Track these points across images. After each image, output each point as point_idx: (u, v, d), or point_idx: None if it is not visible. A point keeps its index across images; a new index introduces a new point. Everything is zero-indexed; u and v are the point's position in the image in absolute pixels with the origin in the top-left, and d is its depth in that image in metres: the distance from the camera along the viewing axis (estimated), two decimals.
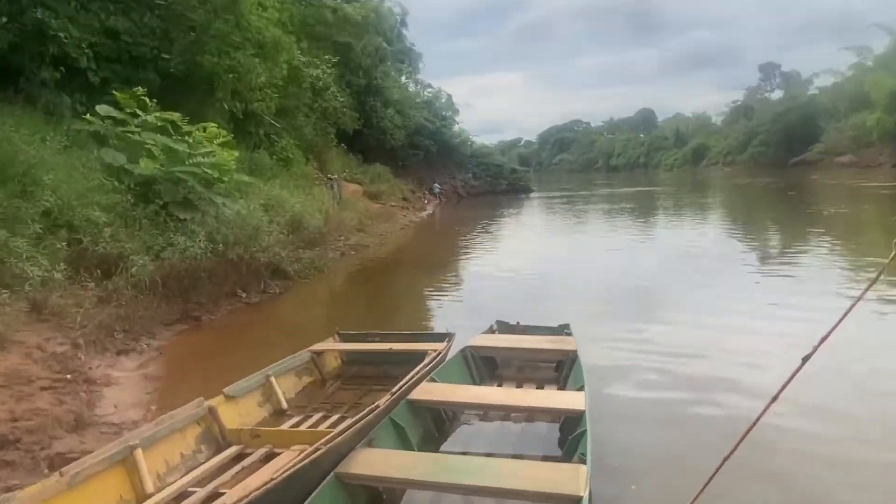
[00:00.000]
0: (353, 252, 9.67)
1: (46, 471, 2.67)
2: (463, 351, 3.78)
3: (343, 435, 2.57)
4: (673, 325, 4.98)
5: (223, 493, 2.45)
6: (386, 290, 7.07)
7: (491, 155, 30.93)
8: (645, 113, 79.15)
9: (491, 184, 28.32)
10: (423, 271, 8.25)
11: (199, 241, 5.83)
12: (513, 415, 3.21)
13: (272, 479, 2.24)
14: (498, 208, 19.77)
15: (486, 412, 3.23)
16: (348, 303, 6.53)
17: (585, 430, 2.60)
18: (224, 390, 3.16)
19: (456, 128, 27.72)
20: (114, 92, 6.91)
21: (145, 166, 6.12)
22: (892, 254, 1.78)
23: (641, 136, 74.10)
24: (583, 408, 2.83)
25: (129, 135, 6.52)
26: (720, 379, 3.81)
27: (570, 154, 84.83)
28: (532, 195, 27.18)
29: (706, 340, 4.48)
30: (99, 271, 5.01)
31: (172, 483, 2.58)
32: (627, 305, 5.65)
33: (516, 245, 10.91)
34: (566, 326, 4.20)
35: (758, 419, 1.93)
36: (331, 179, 13.82)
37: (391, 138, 21.18)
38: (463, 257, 9.74)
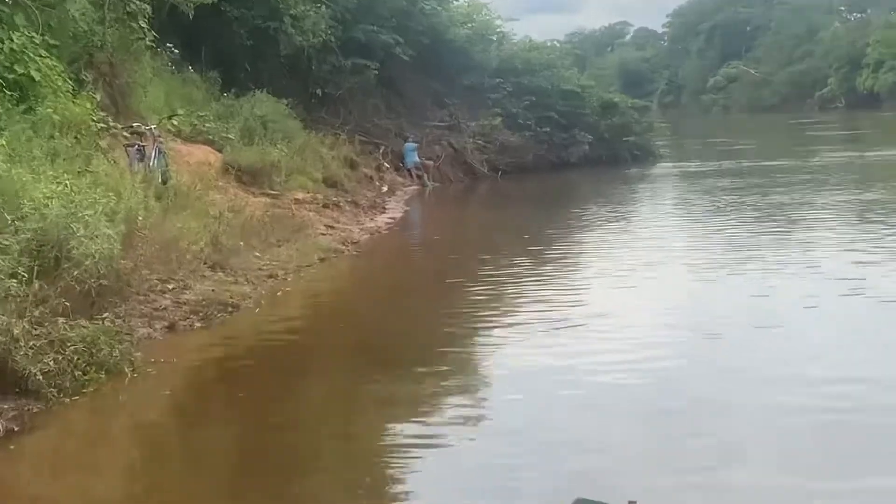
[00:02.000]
0: (195, 319, 8.36)
1: None
2: None
3: None
4: None
5: None
6: (283, 439, 5.89)
7: (552, 68, 26.93)
8: None
9: (552, 142, 25.33)
10: (381, 370, 7.21)
11: None
12: None
13: None
14: (562, 208, 18.61)
15: None
16: (185, 475, 5.47)
17: None
18: None
19: (462, 2, 26.38)
20: None
21: None
22: None
23: None
24: None
25: None
26: None
27: (751, 61, 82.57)
28: (654, 169, 25.68)
29: None
30: None
31: None
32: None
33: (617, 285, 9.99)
34: None
35: None
36: (139, 136, 11.90)
37: (298, 31, 18.53)
38: (477, 331, 8.53)
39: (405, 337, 8.54)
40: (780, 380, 6.34)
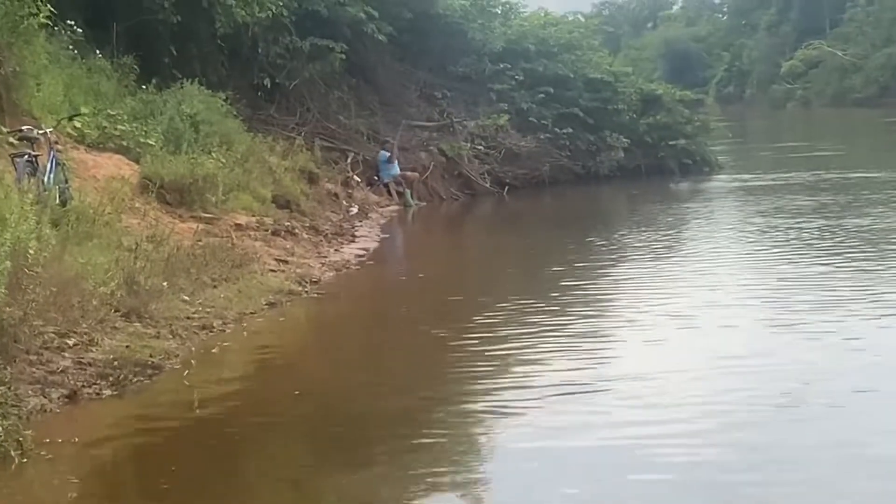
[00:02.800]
0: (104, 385, 8.32)
1: None
2: None
3: None
4: None
5: None
6: None
7: (575, 51, 27.88)
8: None
9: (575, 147, 26.04)
10: (346, 454, 7.24)
11: None
12: None
13: None
14: (587, 234, 18.86)
15: None
16: None
17: None
18: None
19: None
20: None
21: None
22: None
23: None
24: None
25: None
26: None
27: (838, 40, 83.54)
28: (710, 182, 26.55)
29: None
30: None
31: None
32: None
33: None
34: None
35: None
36: (29, 143, 12.12)
37: (239, 2, 18.70)
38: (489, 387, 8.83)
39: (379, 409, 8.47)
40: None
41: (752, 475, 6.07)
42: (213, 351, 9.73)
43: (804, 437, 6.84)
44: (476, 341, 10.69)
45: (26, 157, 11.56)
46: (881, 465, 6.16)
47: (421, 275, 15.46)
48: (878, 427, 6.96)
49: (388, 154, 21.96)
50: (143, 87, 17.18)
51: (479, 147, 24.08)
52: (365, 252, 16.00)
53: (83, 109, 14.76)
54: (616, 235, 18.11)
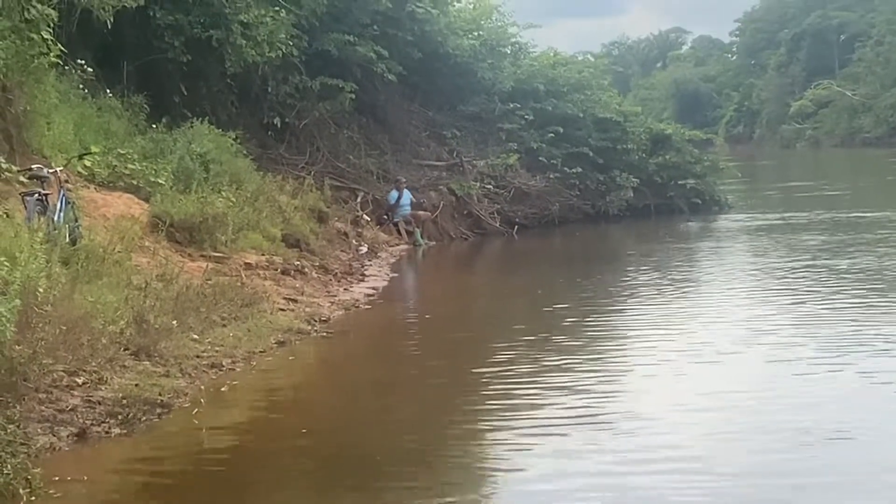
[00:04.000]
0: (113, 424, 8.34)
1: None
2: None
3: None
4: None
5: None
6: None
7: (584, 90, 28.17)
8: None
9: (584, 187, 26.47)
10: (358, 494, 7.37)
11: None
12: None
13: None
14: (597, 273, 18.74)
15: None
16: None
17: None
18: None
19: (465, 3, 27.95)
20: None
21: None
22: None
23: None
24: None
25: None
26: None
27: (848, 80, 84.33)
28: (720, 221, 26.67)
29: None
30: None
31: None
32: None
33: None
34: None
35: None
36: (40, 182, 12.18)
37: (250, 43, 18.91)
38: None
39: (388, 447, 8.44)
40: None
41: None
42: (223, 389, 9.73)
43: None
44: (485, 379, 10.64)
45: (36, 195, 11.60)
46: None
47: (429, 315, 15.45)
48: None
49: (397, 195, 21.92)
50: (154, 126, 17.21)
51: (489, 186, 24.15)
52: (374, 291, 16.00)
53: (93, 148, 14.81)
54: (625, 275, 18.10)
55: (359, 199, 21.60)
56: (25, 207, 11.54)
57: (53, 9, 14.02)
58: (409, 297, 17.73)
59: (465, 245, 22.94)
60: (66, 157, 13.72)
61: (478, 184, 23.99)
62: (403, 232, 21.71)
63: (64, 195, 12.22)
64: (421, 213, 22.22)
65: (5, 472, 6.65)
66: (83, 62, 16.30)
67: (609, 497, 6.66)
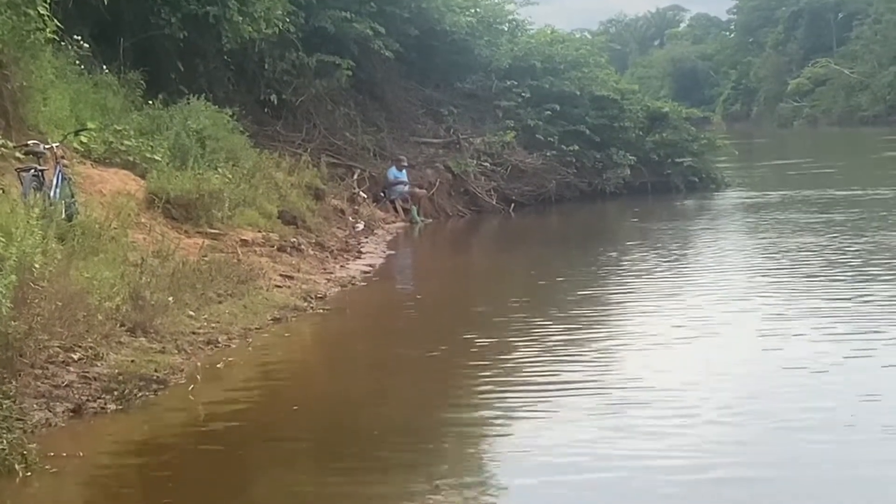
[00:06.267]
0: (109, 400, 8.36)
1: None
2: None
3: None
4: None
5: None
6: None
7: (582, 68, 28.09)
8: None
9: (581, 165, 26.53)
10: (353, 469, 7.24)
11: None
12: None
13: None
14: (594, 251, 18.63)
15: None
16: None
17: None
18: None
19: None
20: None
21: None
22: None
23: None
24: None
25: None
26: None
27: (846, 58, 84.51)
28: (717, 199, 26.60)
29: None
30: None
31: None
32: None
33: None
34: None
35: None
36: (36, 158, 12.15)
37: (246, 19, 18.74)
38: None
39: (383, 424, 8.40)
40: None
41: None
42: (218, 366, 9.70)
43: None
44: (481, 356, 10.61)
45: (32, 171, 11.57)
46: None
47: (424, 293, 15.46)
48: None
49: (394, 175, 21.95)
50: (150, 102, 17.17)
51: (486, 164, 24.13)
52: (371, 268, 16.00)
53: (89, 124, 14.78)
54: (621, 252, 18.10)
55: (355, 177, 21.57)
56: (21, 183, 11.48)
57: None
58: (405, 274, 17.71)
59: (462, 222, 22.87)
60: (62, 133, 13.65)
61: (474, 161, 23.94)
62: (400, 209, 21.69)
63: (60, 171, 12.19)
64: (418, 190, 22.21)
65: (1, 447, 6.66)
66: (80, 38, 16.22)
67: (612, 468, 6.61)
